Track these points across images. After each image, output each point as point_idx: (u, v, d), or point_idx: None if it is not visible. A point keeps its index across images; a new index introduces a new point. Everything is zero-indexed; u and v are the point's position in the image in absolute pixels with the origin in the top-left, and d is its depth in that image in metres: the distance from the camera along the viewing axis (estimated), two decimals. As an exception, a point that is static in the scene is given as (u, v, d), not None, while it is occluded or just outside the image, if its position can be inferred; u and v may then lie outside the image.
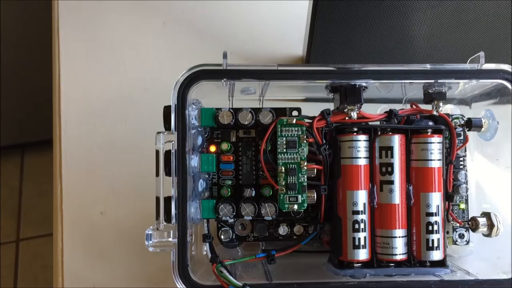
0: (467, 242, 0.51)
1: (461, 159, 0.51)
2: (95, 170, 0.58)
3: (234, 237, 0.50)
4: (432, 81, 0.45)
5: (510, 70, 0.44)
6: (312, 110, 0.47)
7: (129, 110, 0.62)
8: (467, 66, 0.45)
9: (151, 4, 0.68)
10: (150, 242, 0.42)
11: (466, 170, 0.51)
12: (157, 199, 0.42)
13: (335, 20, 0.53)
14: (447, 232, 0.50)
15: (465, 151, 0.51)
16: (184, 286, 0.42)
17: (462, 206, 0.51)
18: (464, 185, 0.50)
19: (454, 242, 0.51)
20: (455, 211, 0.51)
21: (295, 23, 0.65)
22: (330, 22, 0.53)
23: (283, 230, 0.49)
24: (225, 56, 0.44)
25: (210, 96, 0.51)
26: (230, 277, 0.42)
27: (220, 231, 0.50)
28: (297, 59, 0.63)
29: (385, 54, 0.58)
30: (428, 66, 0.45)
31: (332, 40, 0.56)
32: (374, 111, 0.48)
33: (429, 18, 0.52)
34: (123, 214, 0.54)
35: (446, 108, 0.52)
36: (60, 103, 0.62)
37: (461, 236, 0.51)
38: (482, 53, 0.44)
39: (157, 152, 0.43)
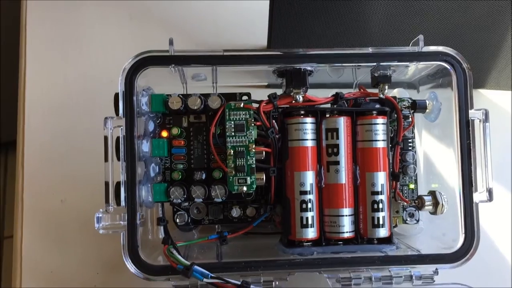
0: (417, 221, 0.52)
1: (409, 140, 0.52)
2: (56, 159, 0.58)
3: (189, 220, 0.51)
4: (375, 64, 0.47)
5: (448, 52, 0.46)
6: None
7: (93, 100, 0.62)
8: (408, 48, 0.46)
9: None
10: (100, 224, 0.44)
11: (415, 152, 0.52)
12: (106, 183, 0.43)
13: (293, 7, 0.54)
14: (397, 212, 0.52)
15: (413, 132, 0.52)
16: (134, 266, 0.43)
17: (412, 186, 0.52)
18: (412, 166, 0.52)
19: (404, 221, 0.52)
20: (405, 191, 0.52)
21: (263, 18, 0.66)
22: (288, 9, 0.53)
23: (235, 212, 0.50)
24: (171, 42, 0.45)
25: (166, 83, 0.52)
26: (179, 257, 0.43)
27: (176, 215, 0.51)
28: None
29: (343, 42, 0.59)
30: (370, 50, 0.46)
31: (290, 27, 0.56)
32: (326, 96, 0.49)
33: (383, 5, 0.53)
34: (83, 201, 0.55)
35: (395, 92, 0.54)
36: (25, 94, 0.62)
37: (411, 215, 0.52)
38: (421, 36, 0.46)
39: (105, 137, 0.44)
